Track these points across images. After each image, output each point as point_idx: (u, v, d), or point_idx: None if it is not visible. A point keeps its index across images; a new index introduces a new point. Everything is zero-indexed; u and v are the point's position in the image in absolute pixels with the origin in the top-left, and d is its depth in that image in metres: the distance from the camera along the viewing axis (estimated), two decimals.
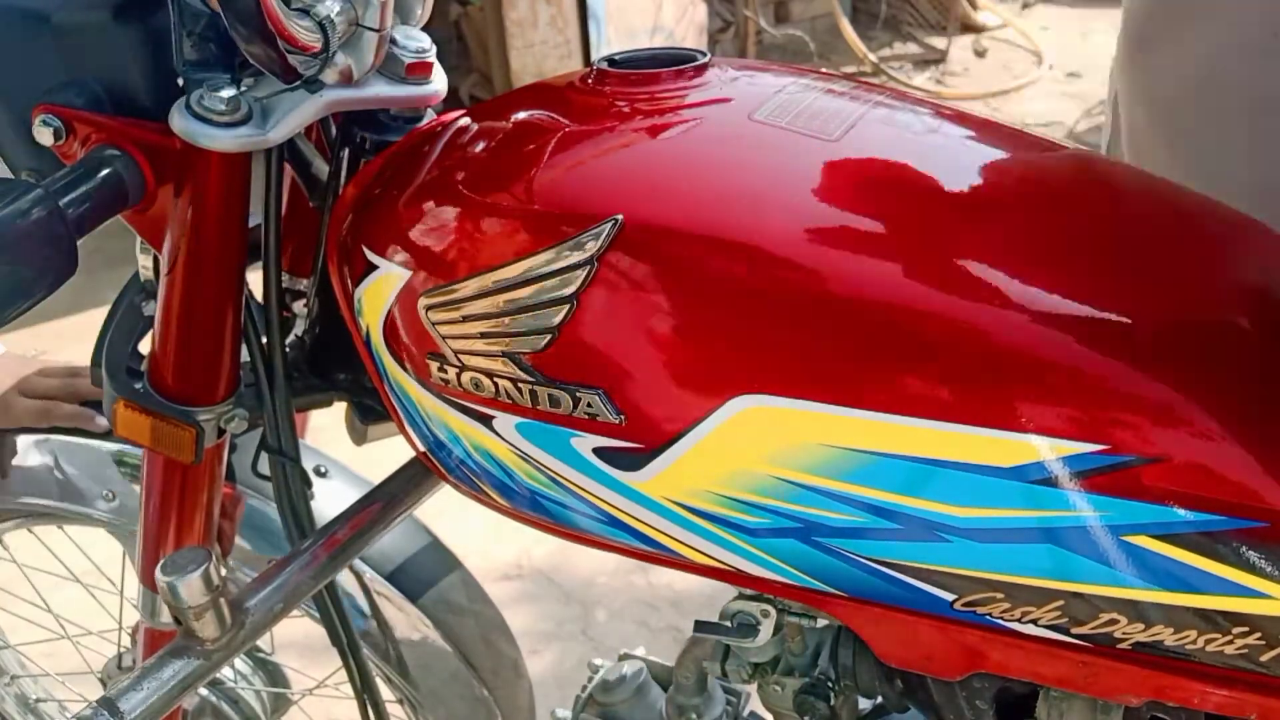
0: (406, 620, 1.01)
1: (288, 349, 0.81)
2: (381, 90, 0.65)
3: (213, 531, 0.85)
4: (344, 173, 0.71)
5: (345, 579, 0.98)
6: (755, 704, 0.78)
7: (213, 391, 0.73)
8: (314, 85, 0.61)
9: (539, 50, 3.42)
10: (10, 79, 0.64)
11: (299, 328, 0.81)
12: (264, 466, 0.79)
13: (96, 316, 0.78)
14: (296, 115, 0.61)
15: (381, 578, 0.99)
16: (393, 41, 0.65)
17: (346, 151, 0.71)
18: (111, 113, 0.63)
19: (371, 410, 0.81)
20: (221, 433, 0.74)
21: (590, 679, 0.85)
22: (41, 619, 1.26)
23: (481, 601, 1.08)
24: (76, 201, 0.59)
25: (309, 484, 0.79)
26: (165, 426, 0.72)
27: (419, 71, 0.66)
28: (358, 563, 0.98)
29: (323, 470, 0.97)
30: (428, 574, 1.03)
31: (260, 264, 0.73)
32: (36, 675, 1.35)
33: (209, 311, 0.70)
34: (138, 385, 0.73)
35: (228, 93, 0.59)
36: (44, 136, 0.63)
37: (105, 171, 0.61)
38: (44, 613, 1.25)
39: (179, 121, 0.60)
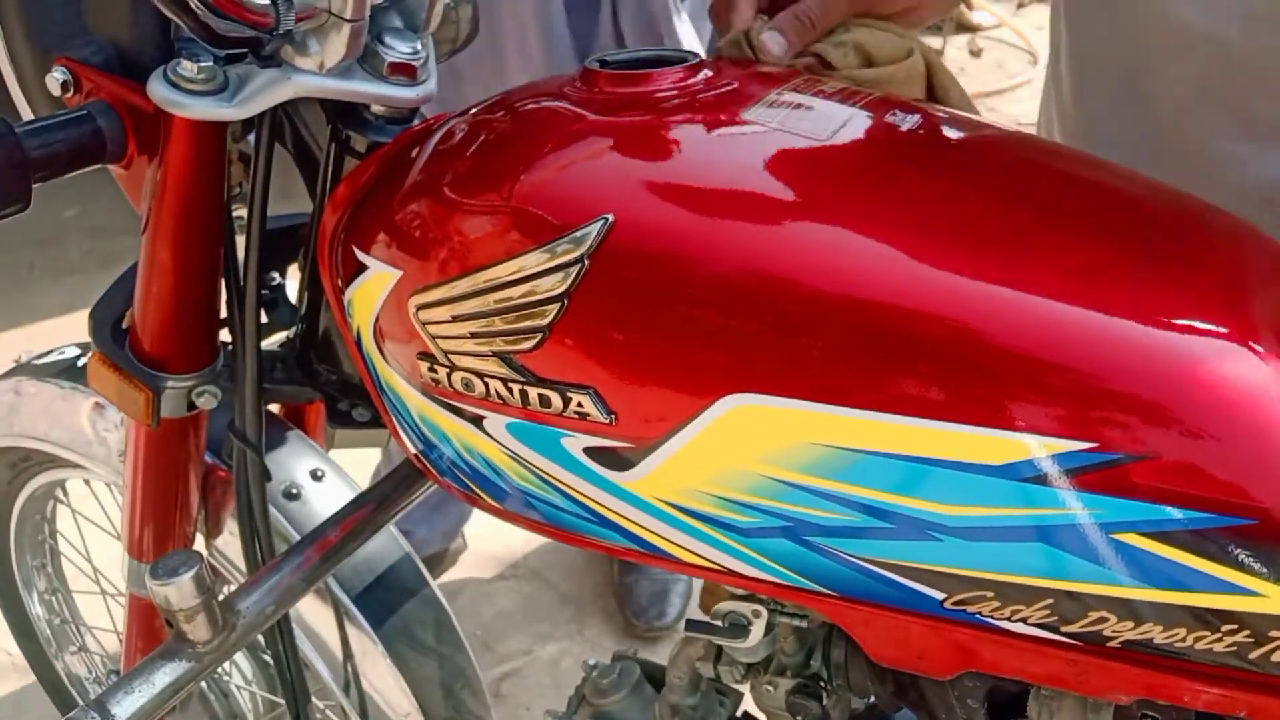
0: (363, 649, 0.95)
1: (279, 345, 0.82)
2: (357, 85, 0.65)
3: (192, 509, 0.85)
4: (331, 171, 0.71)
5: (315, 599, 0.94)
6: (749, 704, 0.78)
7: (182, 361, 0.73)
8: (269, 62, 0.62)
9: None
10: (41, 29, 0.67)
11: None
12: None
13: None
14: (265, 94, 0.62)
15: (348, 598, 0.93)
16: (381, 41, 0.65)
17: (335, 150, 0.71)
18: (119, 74, 0.65)
19: (344, 415, 0.81)
20: (193, 406, 0.75)
21: (584, 679, 0.84)
22: (86, 569, 1.29)
23: (451, 645, 0.99)
24: (44, 143, 0.62)
25: (269, 477, 0.79)
26: (127, 386, 0.73)
27: (401, 73, 0.66)
28: (328, 579, 0.92)
29: (319, 474, 0.96)
30: (394, 597, 0.96)
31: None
32: (87, 626, 1.37)
33: (177, 280, 0.71)
34: (118, 342, 0.74)
35: (204, 63, 0.61)
36: (54, 86, 0.66)
37: (86, 124, 0.64)
38: (85, 562, 1.28)
39: (152, 85, 0.62)
